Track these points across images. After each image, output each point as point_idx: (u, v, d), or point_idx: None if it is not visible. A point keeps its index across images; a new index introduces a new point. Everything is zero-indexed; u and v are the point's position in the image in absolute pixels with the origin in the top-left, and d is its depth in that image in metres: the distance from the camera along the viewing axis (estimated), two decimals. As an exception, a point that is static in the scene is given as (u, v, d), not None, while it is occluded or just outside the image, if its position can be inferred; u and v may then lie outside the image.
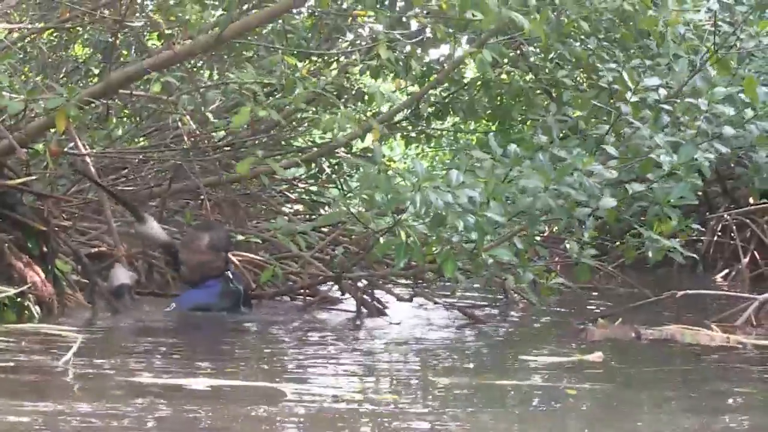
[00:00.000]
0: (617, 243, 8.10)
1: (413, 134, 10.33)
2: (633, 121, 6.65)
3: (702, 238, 11.01)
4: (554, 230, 10.23)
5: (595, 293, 8.48)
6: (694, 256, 5.86)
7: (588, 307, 7.78)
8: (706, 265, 11.06)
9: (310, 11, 9.20)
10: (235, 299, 6.68)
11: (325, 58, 8.90)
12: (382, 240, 6.00)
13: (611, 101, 7.36)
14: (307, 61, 7.92)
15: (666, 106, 6.70)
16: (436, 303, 7.37)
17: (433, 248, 5.96)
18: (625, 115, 6.71)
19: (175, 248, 6.73)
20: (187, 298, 6.62)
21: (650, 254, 5.82)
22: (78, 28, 9.01)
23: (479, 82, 9.06)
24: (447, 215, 5.52)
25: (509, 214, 5.93)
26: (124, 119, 9.61)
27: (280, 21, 8.82)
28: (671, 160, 6.00)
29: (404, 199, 5.51)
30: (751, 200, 10.32)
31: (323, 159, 9.65)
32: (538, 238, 8.46)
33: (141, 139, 9.21)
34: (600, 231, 10.11)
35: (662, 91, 6.86)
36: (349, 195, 9.75)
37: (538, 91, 9.07)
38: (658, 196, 5.86)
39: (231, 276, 6.73)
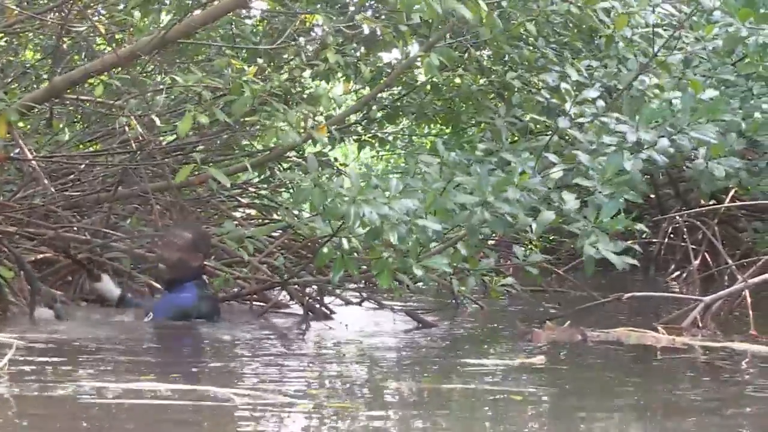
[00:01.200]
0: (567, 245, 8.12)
1: (366, 138, 10.32)
2: (570, 132, 6.64)
3: (654, 240, 11.06)
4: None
5: (546, 295, 8.48)
6: (634, 262, 5.84)
7: (537, 309, 7.78)
8: (658, 267, 11.13)
9: (261, 16, 9.18)
10: (211, 305, 6.63)
11: (275, 62, 8.86)
12: (325, 249, 5.96)
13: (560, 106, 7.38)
14: (254, 66, 7.86)
15: (604, 119, 6.69)
16: (384, 307, 7.35)
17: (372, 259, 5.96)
18: (564, 129, 6.70)
19: (127, 297, 6.85)
20: (165, 303, 6.54)
21: (584, 261, 5.78)
22: (28, 33, 8.93)
23: (429, 86, 9.05)
24: (383, 228, 5.51)
25: (448, 225, 5.92)
26: (76, 123, 9.53)
27: (230, 25, 8.80)
28: (601, 171, 6.00)
29: (338, 213, 5.50)
30: (702, 202, 10.36)
31: (274, 163, 9.61)
32: (491, 242, 8.48)
33: (89, 143, 9.12)
34: (552, 232, 10.16)
35: (600, 103, 6.87)
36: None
37: (491, 95, 9.07)
38: (589, 215, 5.84)
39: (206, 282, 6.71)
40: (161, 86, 7.86)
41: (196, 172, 7.24)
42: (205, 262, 6.79)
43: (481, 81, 8.93)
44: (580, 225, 5.77)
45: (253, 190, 9.68)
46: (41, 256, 7.20)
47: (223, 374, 5.09)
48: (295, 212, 8.42)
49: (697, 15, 7.76)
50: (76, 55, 8.95)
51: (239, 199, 9.79)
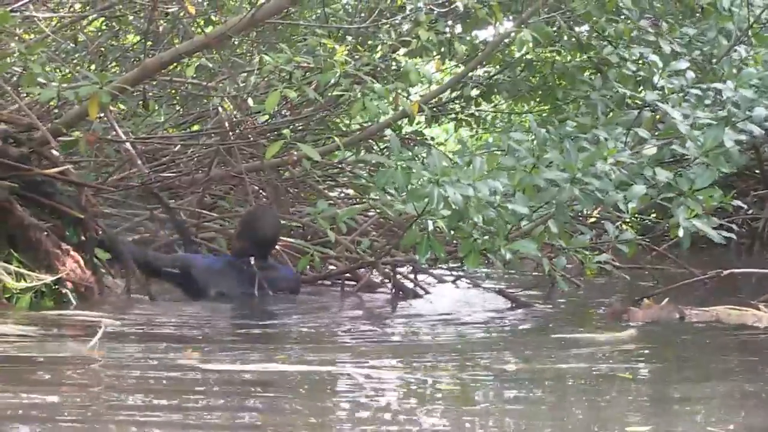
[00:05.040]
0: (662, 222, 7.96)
1: (462, 116, 10.25)
2: (660, 105, 6.49)
3: (759, 215, 10.80)
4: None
5: (644, 273, 8.31)
6: (731, 236, 5.69)
7: (635, 287, 7.64)
8: (764, 244, 10.84)
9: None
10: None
11: (370, 41, 8.83)
12: (411, 230, 5.91)
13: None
14: (345, 45, 7.85)
15: (694, 90, 6.53)
16: (478, 286, 7.28)
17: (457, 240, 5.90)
18: (653, 102, 6.55)
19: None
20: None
21: (681, 236, 5.64)
22: (127, 15, 9.03)
23: (523, 63, 8.95)
24: (467, 209, 5.44)
25: (536, 204, 5.82)
26: (173, 105, 9.62)
27: (323, 5, 8.79)
28: (700, 144, 5.85)
29: (422, 195, 5.43)
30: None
31: (370, 142, 9.60)
32: (591, 220, 8.35)
33: (183, 125, 9.20)
34: (652, 209, 9.97)
35: (690, 74, 6.71)
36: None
37: (587, 70, 8.91)
38: (681, 185, 5.69)
39: (251, 262, 6.65)
40: (253, 67, 7.88)
41: (287, 149, 7.24)
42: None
43: (576, 56, 8.79)
44: (672, 197, 5.64)
45: (349, 169, 9.65)
46: (137, 237, 7.28)
47: (328, 352, 5.08)
48: (390, 191, 8.38)
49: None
50: (174, 37, 9.01)
51: (336, 179, 9.79)
